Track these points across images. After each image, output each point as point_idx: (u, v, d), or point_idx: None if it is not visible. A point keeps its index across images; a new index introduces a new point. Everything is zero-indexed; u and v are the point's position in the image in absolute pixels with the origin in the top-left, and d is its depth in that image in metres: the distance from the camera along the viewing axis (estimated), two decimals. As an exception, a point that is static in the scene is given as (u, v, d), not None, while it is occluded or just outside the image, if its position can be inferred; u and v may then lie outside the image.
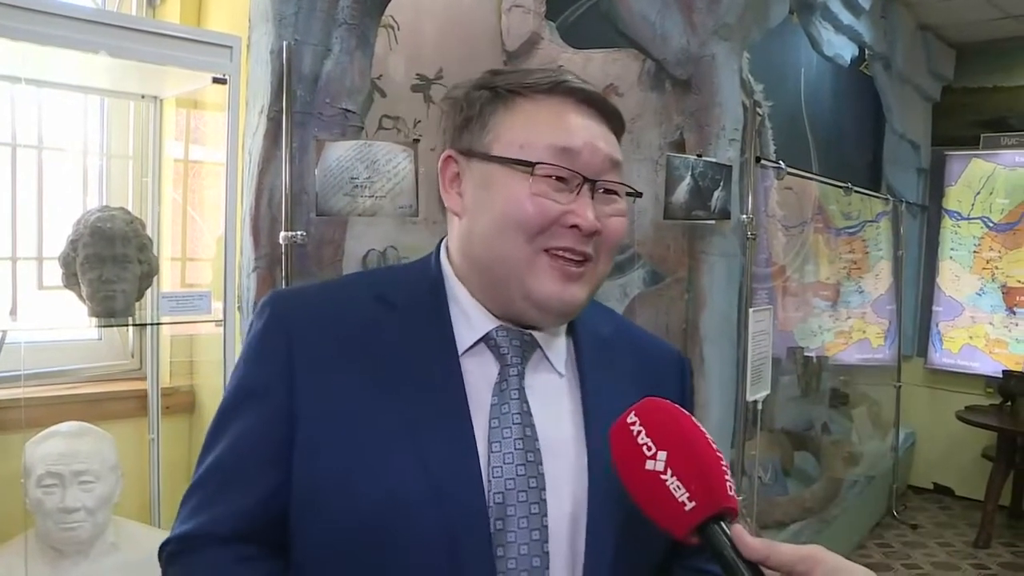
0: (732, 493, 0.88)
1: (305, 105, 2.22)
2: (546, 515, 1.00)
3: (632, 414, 0.93)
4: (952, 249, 6.52)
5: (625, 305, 3.62)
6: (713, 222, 3.23)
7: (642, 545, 1.06)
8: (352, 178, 2.19)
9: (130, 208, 2.31)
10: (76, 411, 2.16)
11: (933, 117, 6.69)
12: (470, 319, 1.08)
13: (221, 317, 2.15)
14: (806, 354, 5.02)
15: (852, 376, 5.93)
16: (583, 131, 1.05)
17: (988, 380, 6.19)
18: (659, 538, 1.06)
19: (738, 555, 0.86)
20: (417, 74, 3.19)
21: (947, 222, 6.55)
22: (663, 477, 0.88)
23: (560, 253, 1.02)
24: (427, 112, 3.20)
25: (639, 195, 1.13)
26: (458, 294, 1.09)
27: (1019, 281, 6.20)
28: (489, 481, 0.99)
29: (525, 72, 1.09)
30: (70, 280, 2.13)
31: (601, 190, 1.05)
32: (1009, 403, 5.64)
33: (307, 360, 1.02)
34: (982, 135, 6.45)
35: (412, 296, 1.09)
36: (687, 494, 0.86)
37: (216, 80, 2.15)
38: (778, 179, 4.00)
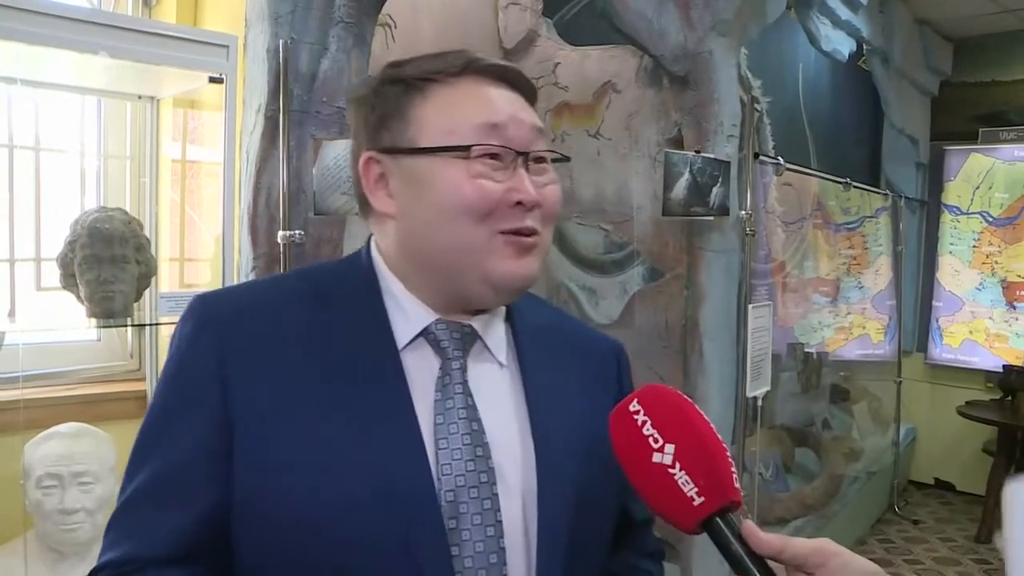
0: (737, 486, 0.88)
1: (302, 104, 2.22)
2: (499, 509, 0.98)
3: (635, 401, 0.92)
4: (952, 244, 6.52)
5: (624, 302, 3.62)
6: (712, 218, 3.23)
7: (593, 531, 1.07)
8: (350, 177, 2.18)
9: (128, 208, 2.31)
10: (75, 412, 2.16)
11: (931, 112, 6.69)
12: (407, 313, 1.05)
13: (220, 317, 2.14)
14: (806, 350, 5.02)
15: (852, 372, 5.94)
16: (505, 105, 1.03)
17: (988, 375, 6.18)
18: (608, 521, 1.11)
19: (744, 548, 0.85)
20: (414, 72, 3.18)
21: (946, 217, 6.55)
22: (671, 471, 0.86)
23: (513, 232, 1.00)
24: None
25: (567, 159, 1.13)
26: (393, 289, 1.06)
27: (1019, 276, 6.19)
28: (439, 479, 0.96)
29: (429, 58, 1.06)
30: (68, 281, 2.12)
31: (532, 161, 1.03)
32: (1010, 398, 5.64)
33: (240, 364, 0.97)
34: (980, 129, 6.43)
35: (347, 292, 1.06)
36: (696, 489, 0.85)
37: (213, 80, 2.15)
38: (777, 175, 3.99)
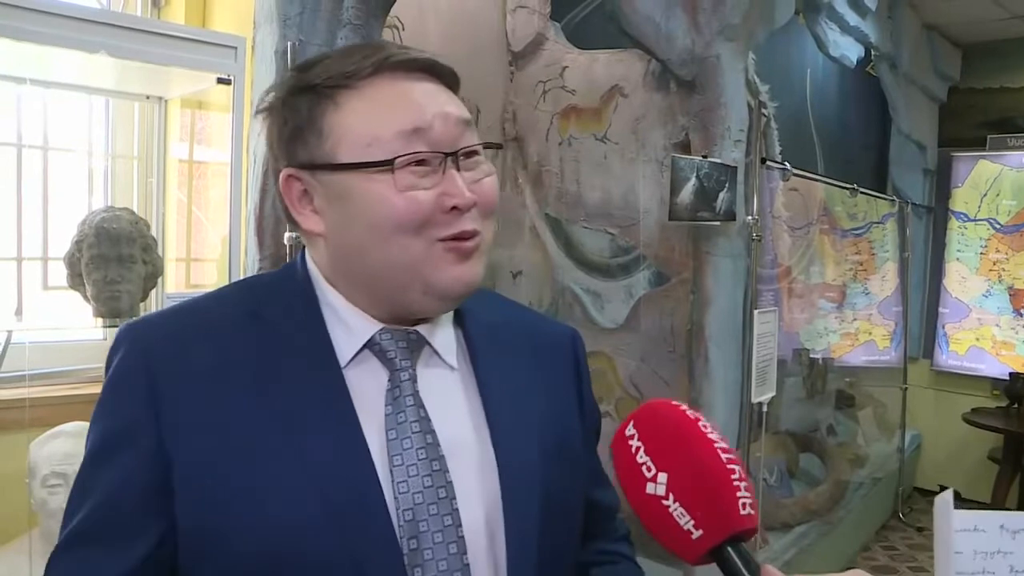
0: (747, 511, 0.79)
1: (310, 106, 2.22)
2: (460, 525, 0.93)
3: (631, 424, 0.86)
4: (958, 251, 6.50)
5: (630, 306, 3.62)
6: (718, 223, 3.23)
7: (563, 532, 1.03)
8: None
9: (135, 209, 2.32)
10: (80, 411, 2.16)
11: (939, 118, 6.67)
12: (349, 326, 0.99)
13: (225, 317, 2.15)
14: (812, 356, 5.01)
15: (858, 378, 5.93)
16: (428, 103, 0.96)
17: (995, 382, 6.16)
18: (578, 518, 1.06)
19: None
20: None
21: (953, 223, 6.53)
22: (665, 503, 0.80)
23: (452, 239, 0.95)
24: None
25: (500, 146, 1.07)
26: (333, 301, 1.00)
27: (1026, 283, 6.18)
28: (396, 498, 0.91)
29: (339, 59, 0.98)
30: (75, 280, 2.13)
31: (463, 156, 0.97)
32: (1016, 405, 5.62)
33: (173, 394, 0.91)
34: (988, 136, 6.42)
35: (283, 308, 0.99)
36: (692, 522, 0.78)
37: (221, 81, 2.16)
38: (784, 180, 3.99)
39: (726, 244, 3.32)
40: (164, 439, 0.90)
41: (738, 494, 0.79)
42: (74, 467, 1.93)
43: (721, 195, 3.13)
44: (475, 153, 0.99)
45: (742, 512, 0.79)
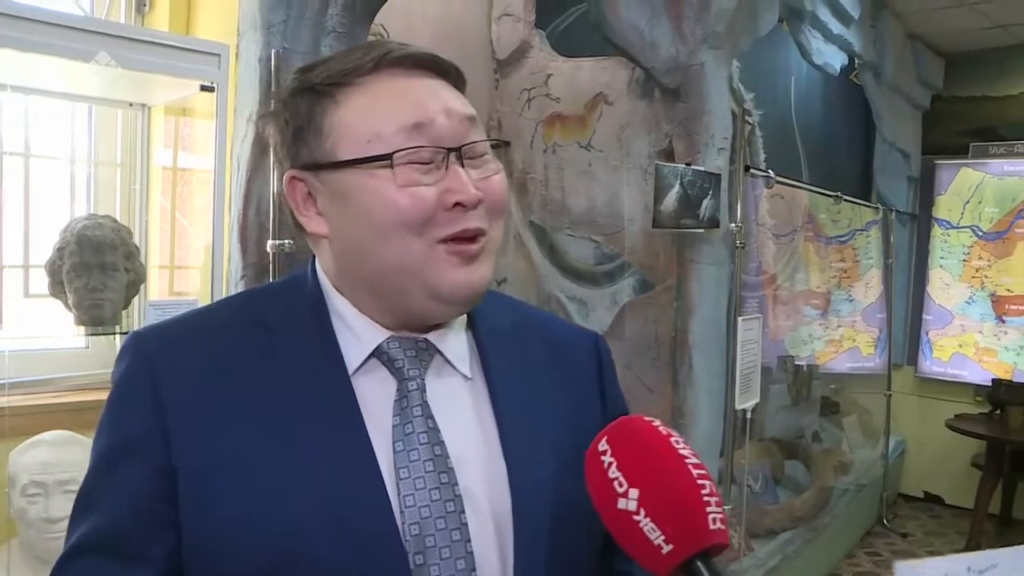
0: (717, 526, 0.79)
1: (293, 113, 2.21)
2: (469, 540, 0.90)
3: (604, 440, 0.84)
4: (942, 258, 6.54)
5: (615, 313, 3.63)
6: (702, 231, 3.24)
7: (577, 548, 0.98)
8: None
9: (118, 216, 2.31)
10: (62, 420, 2.14)
11: (923, 126, 6.72)
12: (357, 334, 0.96)
13: (208, 325, 2.14)
14: (796, 363, 5.03)
15: (842, 384, 5.95)
16: (430, 98, 0.94)
17: (977, 389, 6.20)
18: (595, 534, 0.96)
19: None
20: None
21: (937, 231, 6.57)
22: (636, 518, 0.79)
23: (456, 239, 0.92)
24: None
25: (507, 144, 1.03)
26: (341, 309, 0.98)
27: (1008, 290, 6.22)
28: (402, 512, 0.88)
29: (341, 58, 0.97)
30: (56, 288, 2.12)
31: (468, 154, 0.94)
32: (998, 411, 5.65)
33: (180, 404, 0.90)
34: (971, 144, 6.47)
35: (292, 318, 0.97)
36: (662, 537, 0.78)
37: (204, 88, 2.15)
38: (768, 188, 4.00)
39: (710, 251, 3.33)
40: (171, 448, 0.88)
41: (708, 510, 0.79)
42: (54, 476, 1.94)
43: (705, 202, 3.14)
44: (482, 151, 0.97)
45: (712, 527, 0.79)
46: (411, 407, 0.94)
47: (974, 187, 6.41)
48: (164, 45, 2.08)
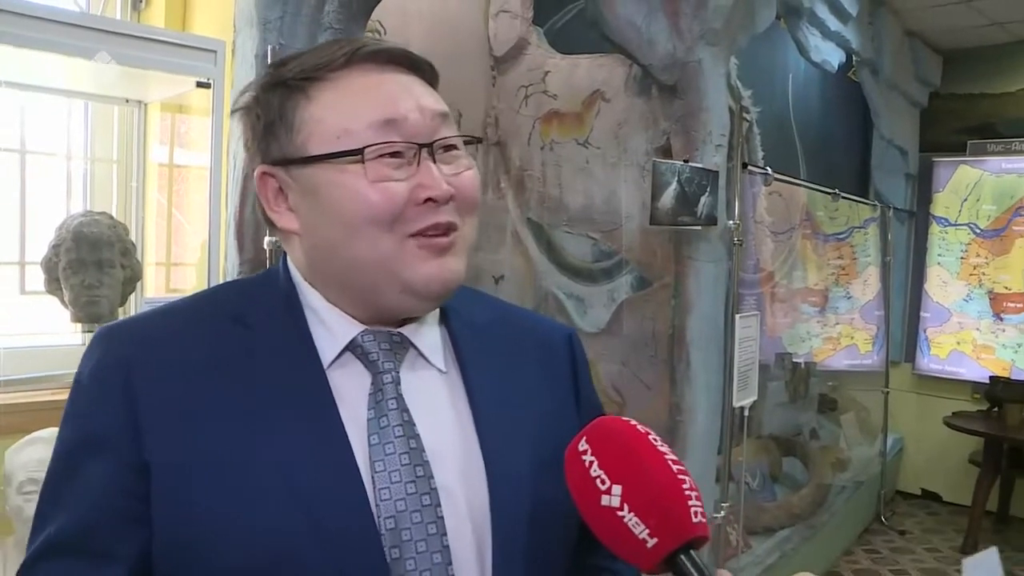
0: (699, 519, 0.81)
1: (290, 109, 2.21)
2: (445, 534, 0.90)
3: (583, 440, 0.85)
4: (939, 255, 6.54)
5: (612, 311, 3.62)
6: (700, 228, 3.23)
7: (554, 541, 0.99)
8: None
9: (114, 213, 2.31)
10: (58, 417, 2.13)
11: (921, 123, 6.72)
12: (331, 328, 0.96)
13: (205, 322, 2.14)
14: (794, 360, 5.03)
15: (840, 382, 5.95)
16: (402, 94, 0.94)
17: (975, 386, 6.20)
18: (572, 527, 0.97)
19: None
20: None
21: (935, 228, 6.57)
22: (620, 514, 0.81)
23: (426, 234, 0.92)
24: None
25: (479, 140, 1.03)
26: (314, 303, 0.97)
27: (1006, 287, 6.22)
28: (377, 506, 0.88)
29: (313, 53, 0.96)
30: (52, 285, 2.12)
31: (440, 149, 0.94)
32: (996, 409, 5.65)
33: (150, 398, 0.88)
34: (969, 141, 6.47)
35: (265, 311, 0.96)
36: (647, 530, 0.79)
37: (201, 84, 2.15)
38: (765, 185, 4.00)
39: (708, 248, 3.32)
40: (141, 444, 0.87)
41: (689, 503, 0.81)
42: (50, 474, 1.92)
43: (702, 199, 3.13)
44: (454, 147, 0.96)
45: (694, 520, 0.80)
46: (386, 400, 0.94)
47: (972, 184, 6.41)
48: (160, 41, 2.08)
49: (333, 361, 0.95)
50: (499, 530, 0.93)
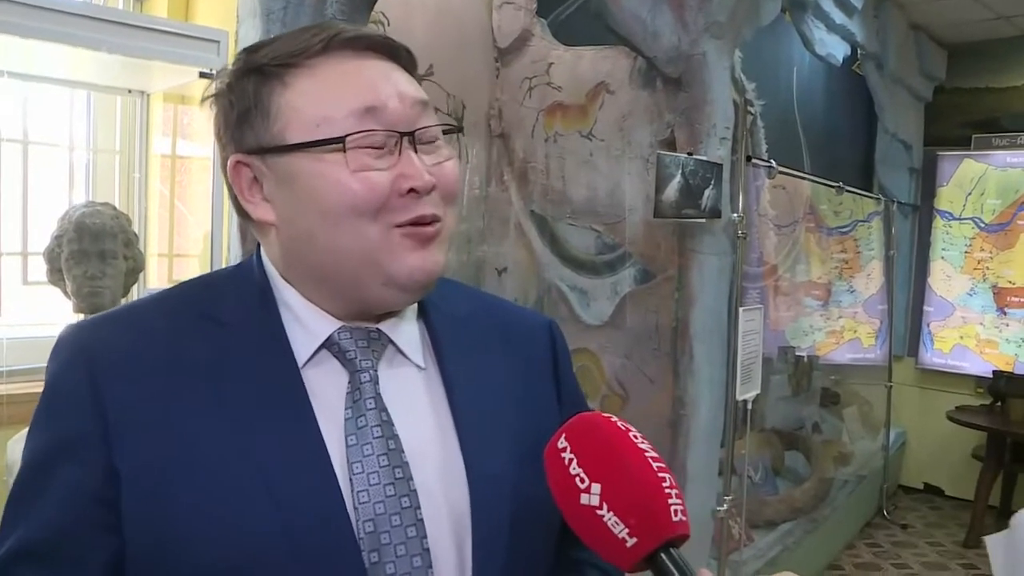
0: (679, 517, 0.79)
1: (293, 100, 2.20)
2: (425, 536, 0.88)
3: (563, 437, 0.83)
4: (943, 249, 6.53)
5: (615, 303, 3.61)
6: (704, 221, 3.22)
7: (536, 539, 0.97)
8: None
9: (117, 203, 2.31)
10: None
11: (925, 117, 6.69)
12: (306, 325, 0.93)
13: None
14: (797, 353, 5.03)
15: (843, 376, 5.95)
16: (382, 81, 0.91)
17: (978, 380, 6.20)
18: (554, 524, 0.95)
19: None
20: (407, 70, 3.18)
21: (938, 222, 6.56)
22: (599, 512, 0.79)
23: (410, 224, 0.90)
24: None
25: (459, 129, 1.00)
26: (289, 299, 0.95)
27: (1010, 282, 6.21)
28: (355, 508, 0.86)
29: (289, 39, 0.93)
30: (55, 276, 2.12)
31: (421, 139, 0.92)
32: (999, 403, 5.65)
33: (122, 402, 0.85)
34: (973, 136, 6.46)
35: (238, 310, 0.93)
36: (626, 529, 0.78)
37: (203, 75, 2.15)
38: (769, 178, 4.00)
39: (711, 241, 3.31)
40: (111, 448, 0.84)
41: (670, 501, 0.79)
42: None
43: (707, 192, 3.12)
44: (434, 136, 0.94)
45: (674, 519, 0.79)
46: (364, 399, 0.91)
47: (976, 179, 6.39)
48: (163, 32, 2.07)
49: (309, 359, 0.93)
50: (479, 532, 0.91)
